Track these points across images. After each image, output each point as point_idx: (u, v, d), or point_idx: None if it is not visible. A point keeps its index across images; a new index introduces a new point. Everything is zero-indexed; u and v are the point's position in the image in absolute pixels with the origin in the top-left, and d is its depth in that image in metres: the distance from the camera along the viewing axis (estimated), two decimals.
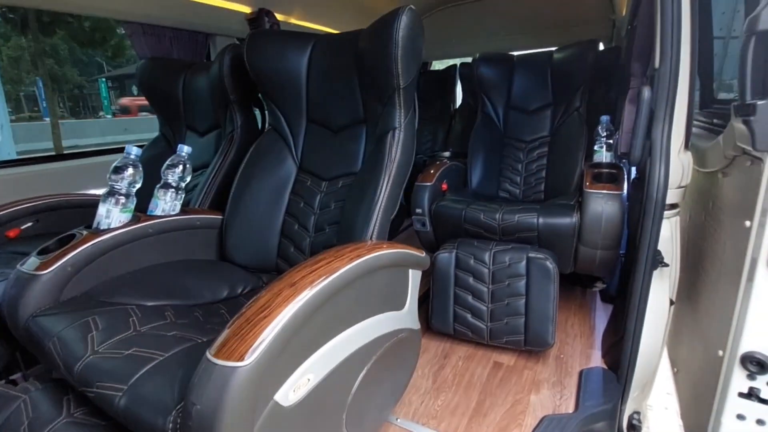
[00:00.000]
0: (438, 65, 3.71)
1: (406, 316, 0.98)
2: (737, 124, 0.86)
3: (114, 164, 1.02)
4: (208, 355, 0.52)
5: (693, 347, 1.18)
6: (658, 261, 1.12)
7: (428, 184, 1.67)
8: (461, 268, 1.47)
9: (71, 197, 1.45)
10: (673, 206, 1.10)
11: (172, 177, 1.15)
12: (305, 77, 1.24)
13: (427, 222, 1.66)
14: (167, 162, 1.15)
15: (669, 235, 1.12)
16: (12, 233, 1.33)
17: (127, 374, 0.64)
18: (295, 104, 1.26)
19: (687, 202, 1.21)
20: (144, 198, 1.12)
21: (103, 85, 16.64)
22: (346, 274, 0.71)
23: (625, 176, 1.45)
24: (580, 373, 1.34)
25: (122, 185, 1.02)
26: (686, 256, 1.20)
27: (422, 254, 1.01)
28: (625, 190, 1.40)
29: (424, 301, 1.78)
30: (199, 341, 0.75)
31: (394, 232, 2.78)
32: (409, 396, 1.27)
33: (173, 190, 1.15)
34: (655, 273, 1.13)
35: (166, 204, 1.13)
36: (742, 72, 0.76)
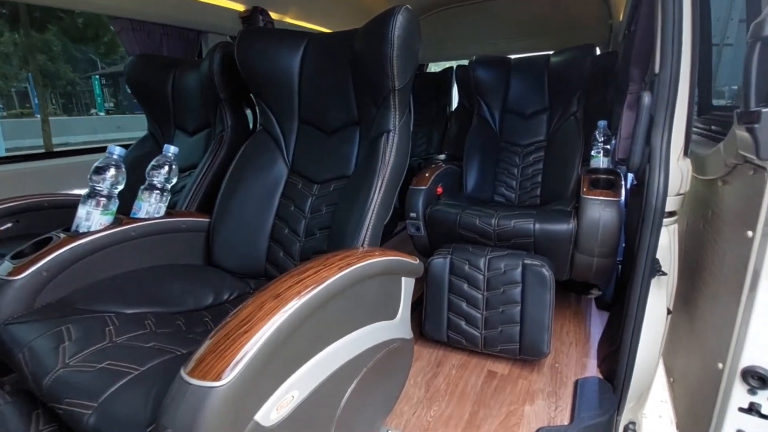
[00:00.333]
0: (434, 67, 3.69)
1: (398, 326, 0.95)
2: (740, 132, 0.84)
3: (95, 164, 0.98)
4: (183, 373, 0.49)
5: (690, 357, 1.16)
6: (656, 270, 1.10)
7: (423, 187, 1.64)
8: (455, 274, 1.44)
9: (54, 197, 1.40)
10: (671, 214, 1.08)
11: (157, 178, 1.11)
12: (298, 77, 1.20)
13: (422, 226, 1.63)
14: (152, 162, 1.11)
15: (667, 244, 1.10)
16: None
17: (98, 390, 0.60)
18: (286, 104, 1.22)
19: (684, 209, 1.19)
20: (130, 200, 1.08)
21: (96, 82, 16.46)
22: (336, 283, 0.67)
23: (623, 182, 1.43)
24: (576, 383, 1.31)
25: (104, 186, 0.97)
26: (683, 265, 1.18)
27: (416, 261, 0.98)
28: (623, 197, 1.38)
29: (417, 307, 1.75)
30: (178, 353, 0.71)
31: (387, 236, 2.76)
32: (400, 406, 1.24)
33: (158, 191, 1.11)
34: (653, 281, 1.11)
35: (150, 206, 1.09)
36: (747, 78, 0.74)
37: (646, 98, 1.03)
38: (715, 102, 1.49)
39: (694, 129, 1.33)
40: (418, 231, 1.64)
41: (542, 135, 2.02)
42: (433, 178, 1.72)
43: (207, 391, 0.47)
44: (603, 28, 2.63)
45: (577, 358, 1.46)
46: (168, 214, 1.12)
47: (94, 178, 0.97)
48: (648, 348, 1.16)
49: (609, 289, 1.76)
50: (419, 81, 3.32)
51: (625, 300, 1.17)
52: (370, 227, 0.95)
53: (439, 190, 1.75)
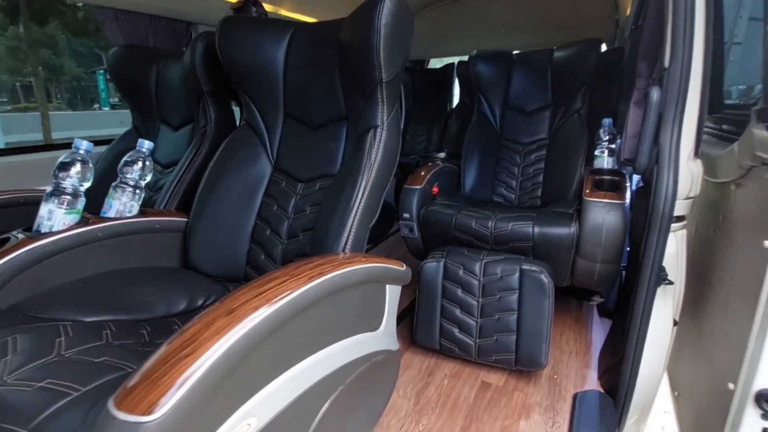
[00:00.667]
0: (437, 64, 3.60)
1: (382, 337, 0.88)
2: (758, 131, 0.76)
3: (60, 159, 0.91)
4: (110, 405, 0.42)
5: (697, 373, 1.09)
6: (662, 278, 1.03)
7: (417, 187, 1.57)
8: (449, 278, 1.37)
9: (27, 193, 1.33)
10: (679, 218, 1.01)
11: (129, 175, 1.05)
12: (283, 68, 1.13)
13: (415, 228, 1.55)
14: (125, 158, 1.05)
15: (675, 251, 1.02)
16: None
17: (33, 413, 0.53)
18: (271, 98, 1.15)
19: (694, 214, 1.12)
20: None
21: (101, 77, 16.43)
22: (304, 295, 0.60)
23: (628, 184, 1.35)
24: (575, 397, 1.24)
25: (68, 183, 0.91)
26: (692, 274, 1.11)
27: (402, 267, 0.91)
28: (628, 200, 1.30)
29: (408, 313, 1.68)
30: (130, 371, 0.64)
31: (381, 237, 2.68)
32: (387, 419, 1.17)
33: (130, 189, 1.04)
34: (659, 291, 1.03)
35: (121, 205, 1.03)
36: (766, 75, 0.66)
37: (655, 94, 0.95)
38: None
39: (705, 128, 1.26)
40: (411, 233, 1.57)
41: (544, 133, 1.94)
42: (428, 177, 1.65)
43: (134, 427, 0.40)
44: (609, 23, 2.54)
45: (577, 369, 1.38)
46: (141, 213, 1.06)
47: (59, 174, 0.91)
48: (652, 361, 1.09)
49: (612, 296, 1.68)
50: (419, 77, 3.24)
51: (629, 309, 1.10)
52: (353, 231, 0.88)
53: (435, 189, 1.68)
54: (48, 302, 0.81)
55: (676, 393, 1.24)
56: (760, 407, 0.76)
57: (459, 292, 1.35)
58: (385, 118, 0.95)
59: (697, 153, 0.97)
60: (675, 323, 1.10)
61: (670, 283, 1.03)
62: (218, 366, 0.47)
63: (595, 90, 1.88)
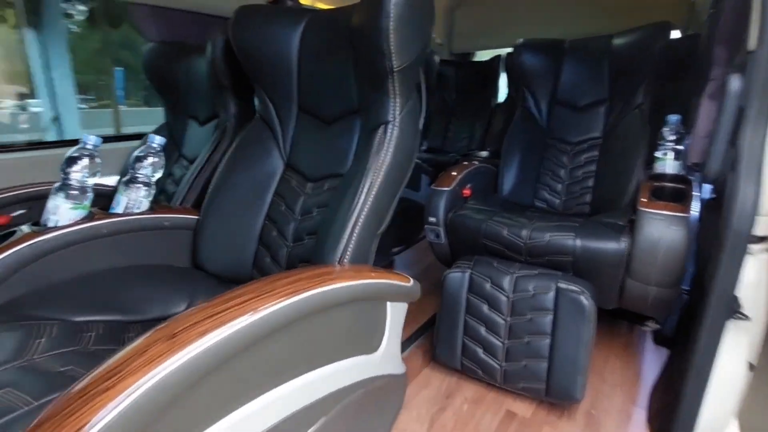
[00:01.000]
0: (485, 56, 3.39)
1: (381, 361, 0.78)
2: None
3: (67, 154, 0.91)
4: None
5: None
6: (734, 310, 0.84)
7: (446, 188, 1.44)
8: (474, 292, 1.24)
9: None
10: (762, 239, 0.81)
11: (141, 171, 1.03)
12: (297, 58, 1.06)
13: (442, 233, 1.43)
14: (135, 153, 1.03)
15: (755, 279, 0.83)
16: (1, 220, 1.29)
17: None
18: (284, 90, 1.08)
19: None
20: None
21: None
22: (272, 317, 0.52)
23: (696, 194, 1.14)
24: None
25: (74, 178, 0.90)
26: None
27: (408, 282, 0.80)
28: (695, 213, 1.09)
29: (430, 326, 1.56)
30: None
31: (410, 241, 2.56)
32: None
33: (140, 185, 1.03)
34: (730, 326, 0.85)
35: (130, 201, 1.01)
36: None
37: (735, 83, 0.77)
38: None
39: None
40: (437, 238, 1.45)
41: (598, 131, 1.72)
42: (460, 177, 1.51)
43: None
44: (682, 5, 2.22)
45: (621, 405, 1.19)
46: (151, 209, 1.04)
47: (67, 169, 0.90)
48: (717, 408, 0.90)
49: (671, 321, 1.45)
50: (463, 71, 3.07)
51: (691, 342, 0.91)
52: (354, 240, 0.78)
53: (467, 191, 1.54)
54: (44, 299, 0.80)
55: None
56: None
57: (485, 308, 1.21)
58: (397, 112, 0.85)
59: None
60: (752, 367, 0.90)
61: (746, 318, 0.84)
62: (147, 402, 0.40)
63: (662, 82, 1.63)
